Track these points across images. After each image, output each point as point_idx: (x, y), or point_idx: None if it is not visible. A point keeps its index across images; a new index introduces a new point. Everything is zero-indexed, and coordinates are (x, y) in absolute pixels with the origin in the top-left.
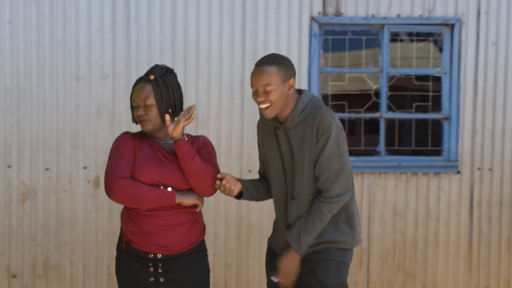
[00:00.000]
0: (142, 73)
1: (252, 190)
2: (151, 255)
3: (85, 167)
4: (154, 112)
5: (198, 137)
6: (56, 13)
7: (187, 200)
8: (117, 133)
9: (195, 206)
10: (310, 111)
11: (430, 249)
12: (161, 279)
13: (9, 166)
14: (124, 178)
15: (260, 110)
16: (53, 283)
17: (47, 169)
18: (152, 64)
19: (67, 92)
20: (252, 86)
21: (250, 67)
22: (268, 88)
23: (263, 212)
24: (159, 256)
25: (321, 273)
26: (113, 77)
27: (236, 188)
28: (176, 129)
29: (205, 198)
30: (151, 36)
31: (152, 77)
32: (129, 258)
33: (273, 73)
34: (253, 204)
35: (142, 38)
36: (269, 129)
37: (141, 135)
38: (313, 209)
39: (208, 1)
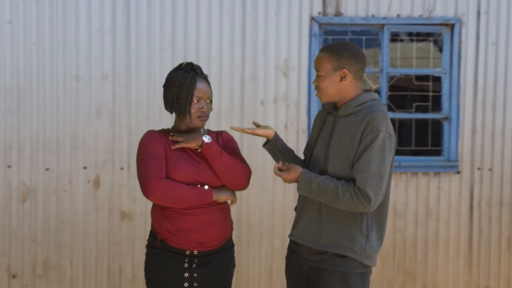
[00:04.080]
0: (142, 73)
1: (284, 146)
2: (187, 252)
3: (85, 167)
4: (210, 109)
5: (221, 132)
6: (56, 13)
7: (223, 196)
8: (117, 133)
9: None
10: (366, 108)
11: (430, 249)
12: (195, 274)
13: (9, 166)
14: (162, 179)
15: None
16: (53, 283)
17: (47, 169)
18: (152, 64)
19: (67, 92)
20: None
21: (250, 67)
22: (318, 74)
23: (263, 212)
24: (195, 252)
25: (324, 285)
26: (113, 77)
27: (265, 130)
28: (189, 143)
29: None
30: (151, 36)
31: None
32: (163, 254)
33: (323, 60)
34: (253, 204)
35: (142, 38)
36: (324, 114)
37: (165, 133)
38: (340, 183)
39: (208, 1)
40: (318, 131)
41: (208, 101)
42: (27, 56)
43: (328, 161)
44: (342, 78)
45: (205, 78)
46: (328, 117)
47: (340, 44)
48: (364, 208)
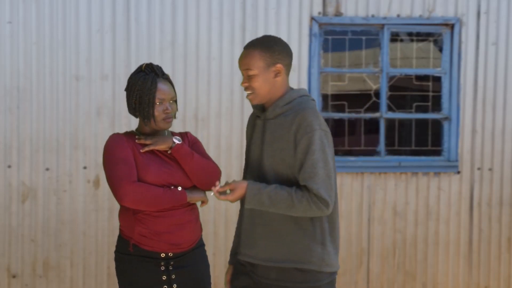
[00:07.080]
0: None
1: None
2: (162, 255)
3: (85, 167)
4: (174, 110)
5: (185, 133)
6: (56, 13)
7: (196, 197)
8: None
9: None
10: (295, 106)
11: (430, 249)
12: (173, 276)
13: (9, 166)
14: (134, 182)
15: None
16: (53, 283)
17: (47, 169)
18: None
19: (67, 92)
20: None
21: None
22: (250, 73)
23: None
24: (170, 254)
25: None
26: (113, 77)
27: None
28: (159, 146)
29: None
30: (151, 36)
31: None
32: (138, 259)
33: (254, 57)
34: None
35: (142, 38)
36: (253, 118)
37: (130, 136)
38: (293, 190)
39: (208, 1)
40: (250, 137)
41: (171, 101)
42: (27, 56)
43: (264, 167)
44: (277, 74)
45: (166, 78)
46: (257, 121)
47: (267, 38)
48: (323, 212)
